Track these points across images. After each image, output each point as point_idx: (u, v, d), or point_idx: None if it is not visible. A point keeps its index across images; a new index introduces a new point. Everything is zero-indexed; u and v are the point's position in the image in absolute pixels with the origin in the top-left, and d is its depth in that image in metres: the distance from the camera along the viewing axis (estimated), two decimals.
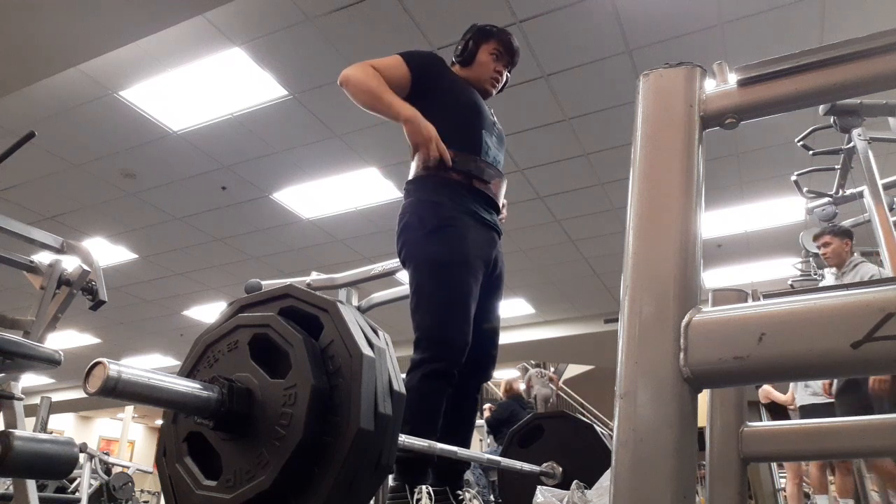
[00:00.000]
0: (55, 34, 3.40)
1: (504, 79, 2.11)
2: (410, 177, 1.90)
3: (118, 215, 5.67)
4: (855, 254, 3.52)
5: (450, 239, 1.75)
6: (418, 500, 1.52)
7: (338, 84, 1.84)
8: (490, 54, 2.04)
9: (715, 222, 5.83)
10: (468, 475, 4.86)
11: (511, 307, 7.92)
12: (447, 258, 1.74)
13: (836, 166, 3.29)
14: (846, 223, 3.75)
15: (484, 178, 1.87)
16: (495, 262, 1.91)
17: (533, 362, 9.77)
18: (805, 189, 3.63)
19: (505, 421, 5.60)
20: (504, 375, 8.58)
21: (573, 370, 11.13)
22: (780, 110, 0.66)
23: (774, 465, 4.71)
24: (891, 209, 2.68)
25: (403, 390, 1.07)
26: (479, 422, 6.40)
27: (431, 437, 1.53)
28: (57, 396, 8.90)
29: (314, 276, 2.45)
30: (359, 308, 2.44)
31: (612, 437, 0.58)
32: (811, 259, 3.92)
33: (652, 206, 0.63)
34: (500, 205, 1.97)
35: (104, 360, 0.81)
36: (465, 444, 1.85)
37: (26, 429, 1.85)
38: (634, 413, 0.56)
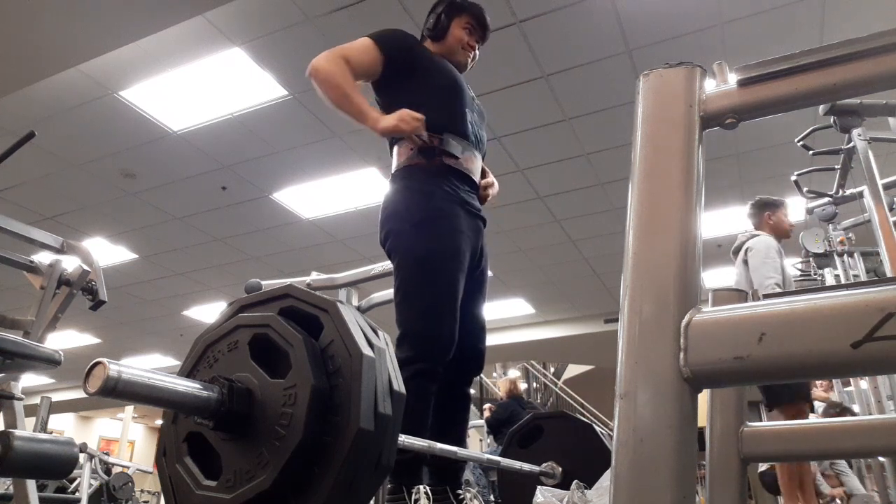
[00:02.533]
0: (55, 34, 3.40)
1: (476, 54, 2.05)
2: (396, 167, 1.84)
3: (118, 215, 5.67)
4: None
5: (440, 231, 1.70)
6: (416, 501, 1.52)
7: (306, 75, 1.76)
8: (463, 28, 1.98)
9: (715, 222, 5.83)
10: (468, 475, 4.86)
11: (511, 307, 7.92)
12: (435, 251, 1.69)
13: (836, 166, 3.29)
14: (846, 223, 3.75)
15: (463, 157, 1.82)
16: (481, 253, 1.86)
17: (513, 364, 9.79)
18: (805, 189, 3.63)
19: (505, 421, 5.60)
20: (506, 375, 8.57)
21: (573, 370, 11.12)
22: (780, 110, 0.66)
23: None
24: (891, 209, 2.68)
25: (403, 390, 1.07)
26: (479, 422, 6.40)
27: (421, 437, 1.52)
28: (57, 396, 8.90)
29: (314, 276, 2.45)
30: (359, 308, 2.44)
31: (612, 437, 0.58)
32: (811, 259, 3.92)
33: (652, 206, 0.63)
34: (486, 184, 1.94)
35: (104, 360, 0.81)
36: (461, 442, 1.83)
37: (26, 429, 1.86)
38: (634, 413, 0.56)
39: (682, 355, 0.56)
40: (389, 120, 1.70)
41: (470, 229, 1.80)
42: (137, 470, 6.37)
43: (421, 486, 1.54)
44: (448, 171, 1.78)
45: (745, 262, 3.23)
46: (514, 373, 9.08)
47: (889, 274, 2.51)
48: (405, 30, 1.95)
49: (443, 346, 1.65)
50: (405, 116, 1.70)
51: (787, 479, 2.99)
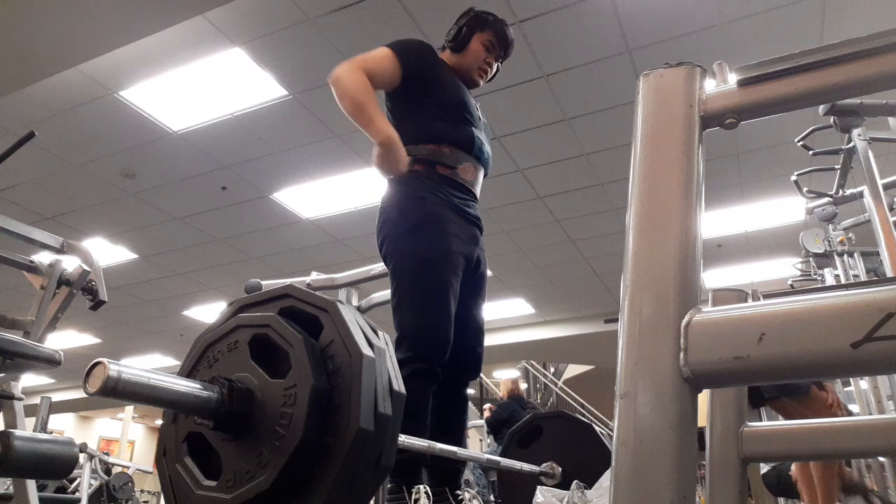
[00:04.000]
0: (55, 34, 3.40)
1: (494, 70, 2.08)
2: None
3: (118, 215, 5.67)
4: None
5: (432, 234, 1.73)
6: (416, 501, 1.52)
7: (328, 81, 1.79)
8: (482, 44, 2.01)
9: (715, 222, 5.83)
10: (468, 475, 4.86)
11: (511, 307, 7.92)
12: (428, 254, 1.72)
13: (836, 166, 3.28)
14: (846, 223, 3.75)
15: (460, 168, 1.85)
16: (478, 260, 1.89)
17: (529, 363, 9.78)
18: (805, 189, 3.63)
19: (505, 421, 5.60)
20: (505, 375, 8.58)
21: (573, 370, 11.13)
22: (780, 110, 0.66)
23: None
24: (891, 209, 2.68)
25: (403, 390, 1.07)
26: (479, 422, 6.40)
27: (421, 437, 1.52)
28: (57, 396, 8.89)
29: (314, 276, 2.45)
30: (359, 308, 2.44)
31: (612, 437, 0.58)
32: (811, 259, 3.91)
33: (652, 206, 0.63)
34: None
35: (104, 360, 0.81)
36: (460, 442, 1.85)
37: (26, 429, 1.86)
38: (634, 413, 0.56)
39: (682, 355, 0.56)
40: (389, 159, 1.71)
41: (465, 234, 1.83)
42: (137, 470, 6.37)
43: (421, 486, 1.54)
44: (442, 179, 1.82)
45: None
46: (513, 373, 9.09)
47: (889, 274, 2.51)
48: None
49: (439, 346, 1.68)
50: (392, 157, 1.70)
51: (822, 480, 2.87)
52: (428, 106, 1.85)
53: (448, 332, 1.69)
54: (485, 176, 2.01)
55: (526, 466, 2.06)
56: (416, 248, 1.73)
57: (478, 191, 1.95)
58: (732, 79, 0.67)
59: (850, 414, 3.84)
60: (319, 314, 1.04)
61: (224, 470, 0.97)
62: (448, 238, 1.75)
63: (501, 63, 2.11)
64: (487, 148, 1.98)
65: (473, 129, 1.91)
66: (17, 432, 1.14)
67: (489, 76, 2.08)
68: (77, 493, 5.14)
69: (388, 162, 1.71)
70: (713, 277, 7.09)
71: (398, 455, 1.06)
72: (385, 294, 2.37)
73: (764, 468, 3.69)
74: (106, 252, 6.25)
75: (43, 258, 2.12)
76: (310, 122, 4.37)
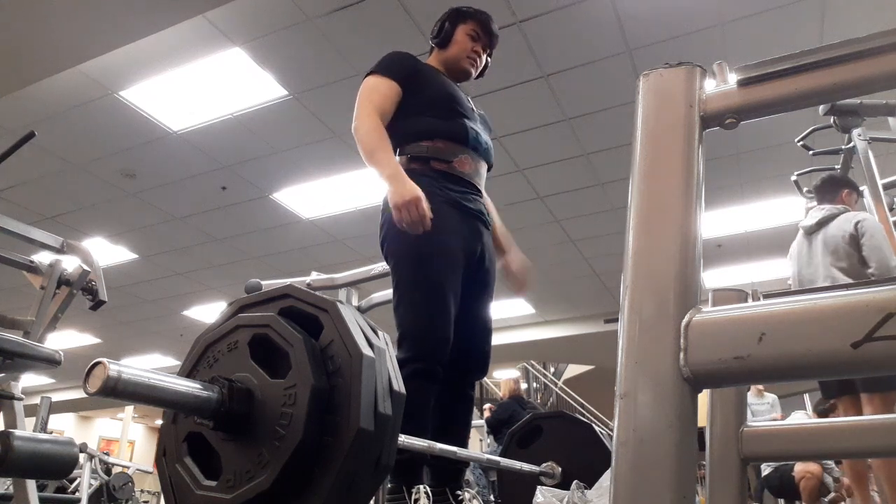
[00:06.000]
0: (55, 34, 3.40)
1: (483, 62, 2.07)
2: None
3: (118, 215, 5.67)
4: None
5: (430, 232, 1.70)
6: (416, 501, 1.52)
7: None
8: (467, 35, 2.01)
9: (715, 222, 5.83)
10: (468, 475, 4.86)
11: (511, 307, 7.92)
12: (426, 252, 1.71)
13: (836, 166, 3.29)
14: None
15: (457, 161, 1.84)
16: (482, 255, 1.86)
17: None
18: (805, 189, 3.62)
19: (505, 421, 5.60)
20: (504, 375, 8.58)
21: (573, 370, 11.12)
22: (780, 110, 0.66)
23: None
24: (891, 209, 2.68)
25: (403, 390, 1.07)
26: (480, 422, 6.40)
27: (421, 437, 1.52)
28: (57, 396, 8.88)
29: (314, 276, 2.45)
30: (359, 308, 2.44)
31: (612, 437, 0.58)
32: None
33: (652, 206, 0.63)
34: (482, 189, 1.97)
35: (104, 360, 0.81)
36: (463, 443, 1.84)
37: (26, 429, 1.86)
38: (634, 413, 0.56)
39: (682, 355, 0.56)
40: (395, 196, 1.64)
41: (466, 229, 1.81)
42: (137, 470, 6.37)
43: (421, 486, 1.54)
44: (438, 175, 1.81)
45: (852, 237, 2.75)
46: (513, 373, 9.10)
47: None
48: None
49: (439, 346, 1.66)
50: (412, 205, 1.62)
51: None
52: (417, 104, 1.84)
53: (447, 331, 1.68)
54: (489, 168, 1.98)
55: (526, 466, 2.06)
56: (414, 247, 1.72)
57: (480, 183, 1.92)
58: (732, 79, 0.66)
59: None
60: (319, 314, 1.04)
61: (224, 470, 0.97)
62: (447, 235, 1.74)
63: (490, 55, 2.09)
64: (485, 138, 1.96)
65: (466, 120, 1.90)
66: (17, 432, 1.14)
67: (479, 66, 2.06)
68: (77, 493, 5.14)
69: (398, 198, 1.63)
70: (713, 277, 7.09)
71: (398, 455, 1.06)
72: (385, 294, 2.37)
73: (766, 470, 3.68)
74: (106, 252, 6.24)
75: (43, 258, 2.12)
76: (310, 122, 4.37)
